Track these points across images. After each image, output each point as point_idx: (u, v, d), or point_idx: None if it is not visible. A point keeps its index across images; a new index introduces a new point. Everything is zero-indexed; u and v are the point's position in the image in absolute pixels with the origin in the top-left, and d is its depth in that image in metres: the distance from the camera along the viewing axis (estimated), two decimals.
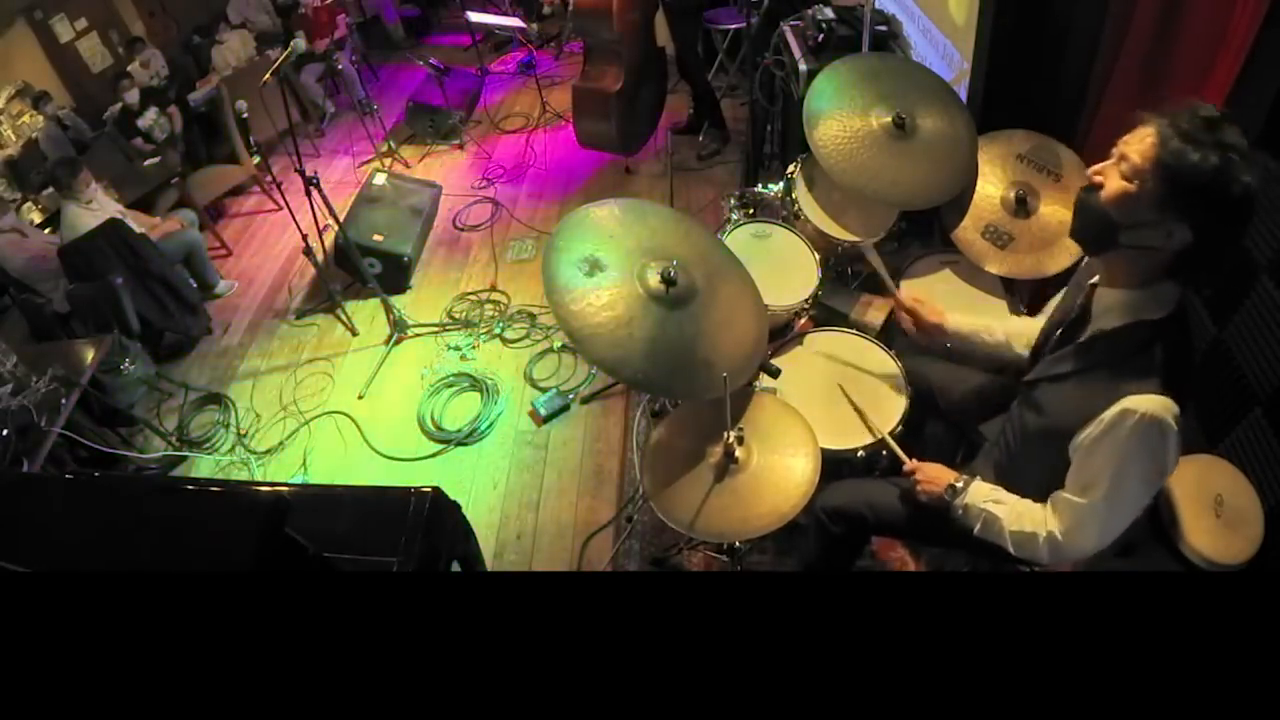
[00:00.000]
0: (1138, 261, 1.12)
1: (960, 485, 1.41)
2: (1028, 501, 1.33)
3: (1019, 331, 1.57)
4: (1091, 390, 1.16)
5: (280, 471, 2.94)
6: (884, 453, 1.79)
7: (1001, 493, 1.37)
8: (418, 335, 3.46)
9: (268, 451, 3.03)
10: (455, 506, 1.78)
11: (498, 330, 3.37)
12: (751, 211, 2.43)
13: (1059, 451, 1.23)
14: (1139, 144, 1.06)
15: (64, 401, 2.55)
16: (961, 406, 1.74)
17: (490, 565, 2.28)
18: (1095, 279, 1.26)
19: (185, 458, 3.05)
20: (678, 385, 1.61)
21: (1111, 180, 1.10)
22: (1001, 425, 1.52)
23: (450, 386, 3.14)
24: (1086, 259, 1.34)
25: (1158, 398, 1.08)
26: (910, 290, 2.05)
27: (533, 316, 3.40)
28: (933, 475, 1.47)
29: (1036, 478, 1.33)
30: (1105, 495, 1.15)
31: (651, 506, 2.32)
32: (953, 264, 2.08)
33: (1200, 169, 0.99)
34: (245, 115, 3.27)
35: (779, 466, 1.55)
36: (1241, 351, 1.57)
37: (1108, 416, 1.12)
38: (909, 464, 1.54)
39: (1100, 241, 1.15)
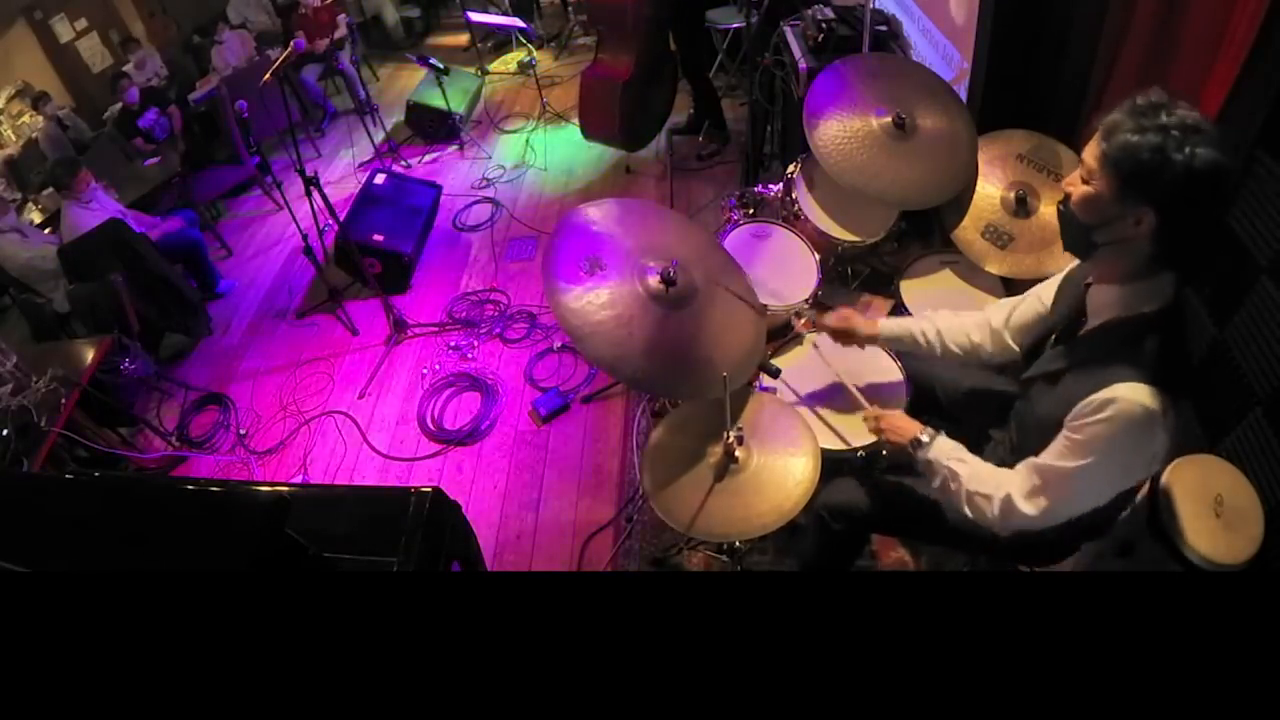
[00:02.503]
0: (1120, 256, 1.15)
1: (925, 439, 1.43)
2: (990, 465, 1.35)
3: (952, 328, 1.60)
4: (1082, 382, 1.18)
5: (280, 471, 2.95)
6: (884, 452, 1.79)
7: (964, 451, 1.40)
8: (418, 335, 3.46)
9: (268, 451, 3.04)
10: (455, 506, 1.78)
11: (498, 330, 3.37)
12: (751, 211, 2.43)
13: None
14: (1091, 146, 1.11)
15: (64, 401, 2.55)
16: (962, 405, 1.74)
17: (490, 565, 2.28)
18: (1090, 279, 1.29)
19: (185, 458, 3.05)
20: (678, 385, 1.61)
21: (1076, 187, 1.15)
22: (1008, 424, 1.54)
23: (450, 386, 3.15)
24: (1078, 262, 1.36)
25: (1144, 387, 1.09)
26: (910, 290, 2.06)
27: (533, 316, 3.40)
28: (898, 425, 1.49)
29: None
30: (1076, 469, 1.16)
31: (651, 506, 2.32)
32: (953, 264, 2.08)
33: (1140, 149, 1.03)
34: (245, 115, 3.26)
35: (779, 466, 1.55)
36: (1241, 351, 1.57)
37: (1095, 399, 1.13)
38: (869, 409, 1.58)
39: (1082, 247, 1.20)
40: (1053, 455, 1.20)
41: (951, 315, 1.63)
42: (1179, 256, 1.12)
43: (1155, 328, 1.13)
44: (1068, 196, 1.18)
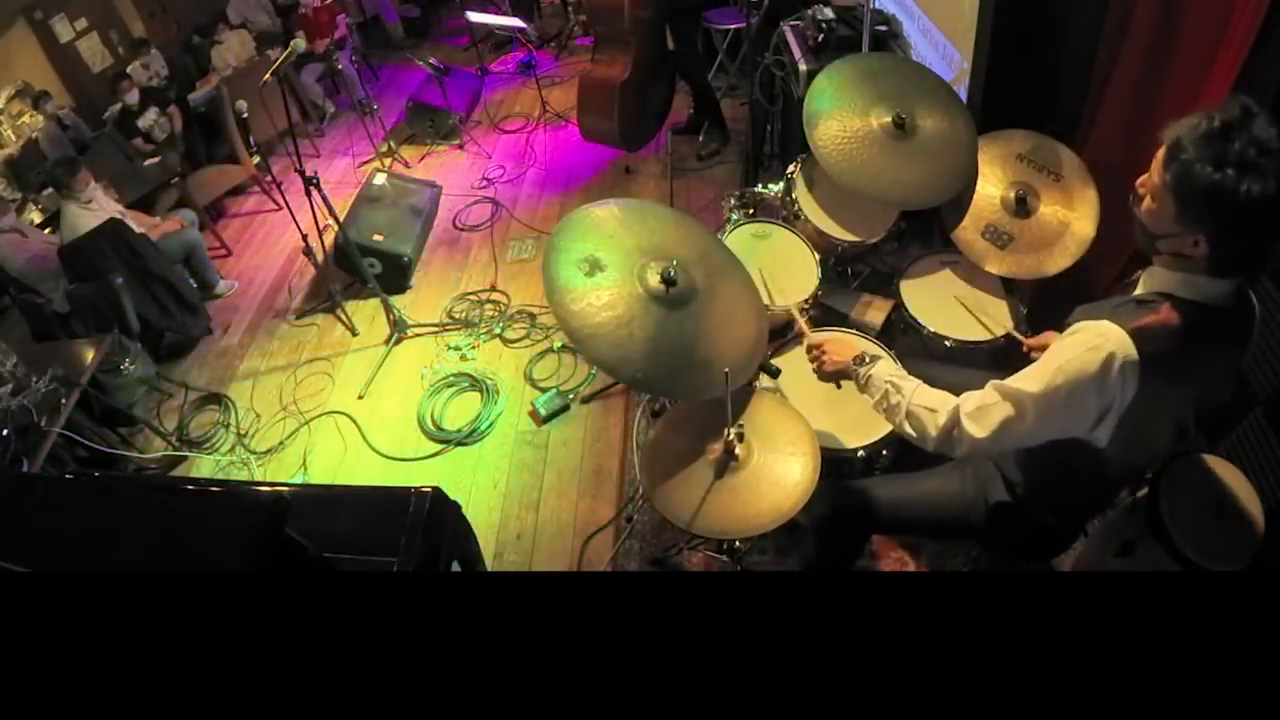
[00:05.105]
0: (1179, 261, 1.17)
1: (869, 358, 1.45)
2: (938, 389, 1.35)
3: None
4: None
5: (280, 471, 2.94)
6: (884, 452, 1.79)
7: (906, 374, 1.41)
8: (418, 335, 3.46)
9: (268, 451, 3.03)
10: (455, 506, 1.78)
11: (498, 330, 3.37)
12: (751, 211, 2.43)
13: None
14: (1156, 160, 1.12)
15: (64, 401, 2.55)
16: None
17: (490, 565, 2.28)
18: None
19: (185, 458, 3.05)
20: (678, 385, 1.61)
21: (1146, 195, 1.16)
22: None
23: (450, 386, 3.14)
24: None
25: (1123, 333, 1.11)
26: (910, 290, 2.06)
27: (533, 316, 3.40)
28: (841, 347, 1.52)
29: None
30: (1032, 395, 1.18)
31: (651, 506, 2.33)
32: (953, 264, 2.08)
33: (1198, 182, 1.03)
34: (245, 115, 3.26)
35: (779, 465, 1.55)
36: None
37: (1083, 324, 1.16)
38: (812, 337, 1.61)
39: (1148, 248, 1.21)
40: (1018, 377, 1.22)
41: None
42: (1235, 271, 1.14)
43: (1174, 305, 1.14)
44: (1139, 197, 1.19)
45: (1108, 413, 1.16)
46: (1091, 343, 1.13)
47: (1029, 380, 1.20)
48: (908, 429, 1.35)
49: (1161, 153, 1.10)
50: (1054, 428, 1.21)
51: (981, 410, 1.24)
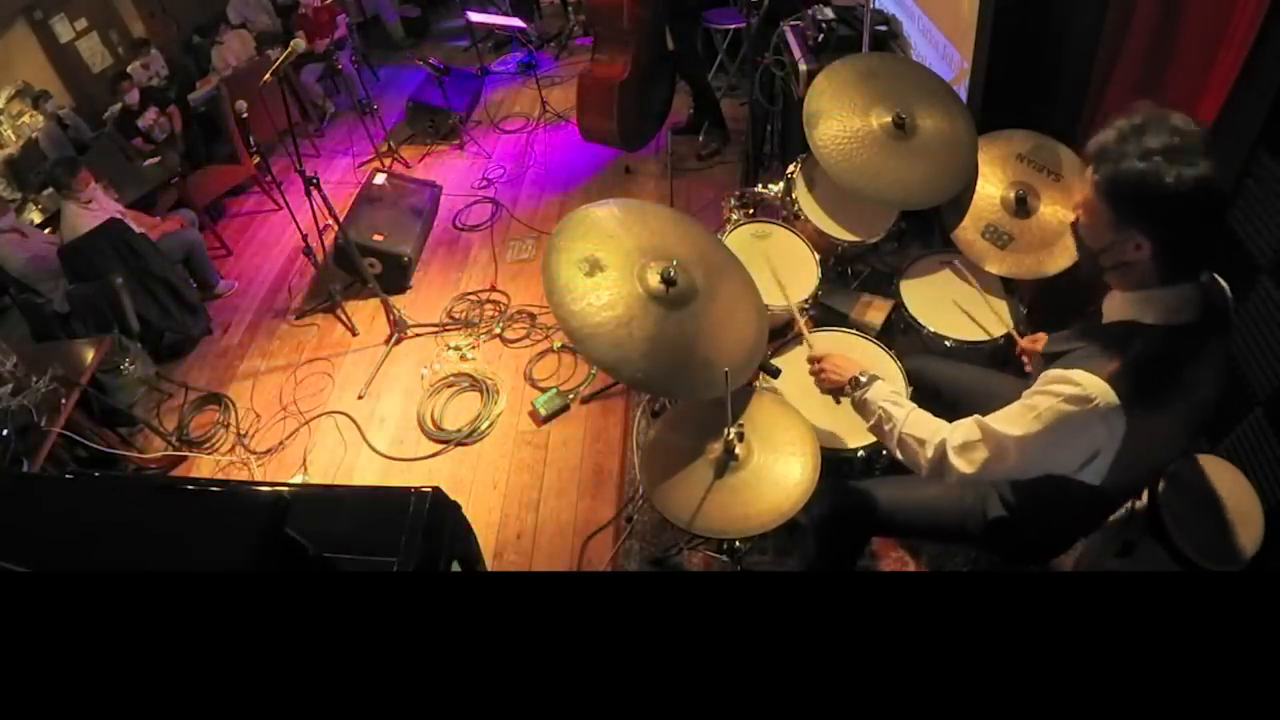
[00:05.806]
0: (1128, 275, 1.16)
1: (865, 380, 1.46)
2: (931, 415, 1.36)
3: None
4: (1068, 364, 1.19)
5: (280, 471, 2.94)
6: (884, 452, 1.79)
7: (903, 398, 1.42)
8: (418, 335, 3.46)
9: (268, 451, 3.03)
10: (455, 506, 1.78)
11: (498, 330, 3.37)
12: (751, 211, 2.43)
13: None
14: (1084, 174, 1.13)
15: (64, 401, 2.55)
16: (965, 403, 1.74)
17: (490, 565, 2.28)
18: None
19: (185, 458, 3.05)
20: (678, 385, 1.61)
21: (1080, 214, 1.18)
22: None
23: (450, 386, 3.14)
24: None
25: (1103, 383, 1.10)
26: (910, 289, 2.06)
27: (533, 316, 3.40)
28: (839, 364, 1.53)
29: None
30: (1014, 438, 1.18)
31: (651, 506, 2.32)
32: (953, 264, 2.08)
33: (1126, 177, 1.04)
34: (245, 115, 3.26)
35: (778, 465, 1.55)
36: (1241, 351, 1.57)
37: (1059, 373, 1.15)
38: (813, 350, 1.61)
39: (1095, 267, 1.21)
40: (999, 418, 1.21)
41: None
42: (1184, 271, 1.12)
43: (1147, 337, 1.13)
44: (1077, 221, 1.20)
45: (1095, 457, 1.15)
46: (1066, 392, 1.12)
47: (1009, 423, 1.19)
48: (899, 455, 1.38)
49: (1087, 164, 1.11)
50: (1039, 467, 1.21)
51: (967, 446, 1.25)
